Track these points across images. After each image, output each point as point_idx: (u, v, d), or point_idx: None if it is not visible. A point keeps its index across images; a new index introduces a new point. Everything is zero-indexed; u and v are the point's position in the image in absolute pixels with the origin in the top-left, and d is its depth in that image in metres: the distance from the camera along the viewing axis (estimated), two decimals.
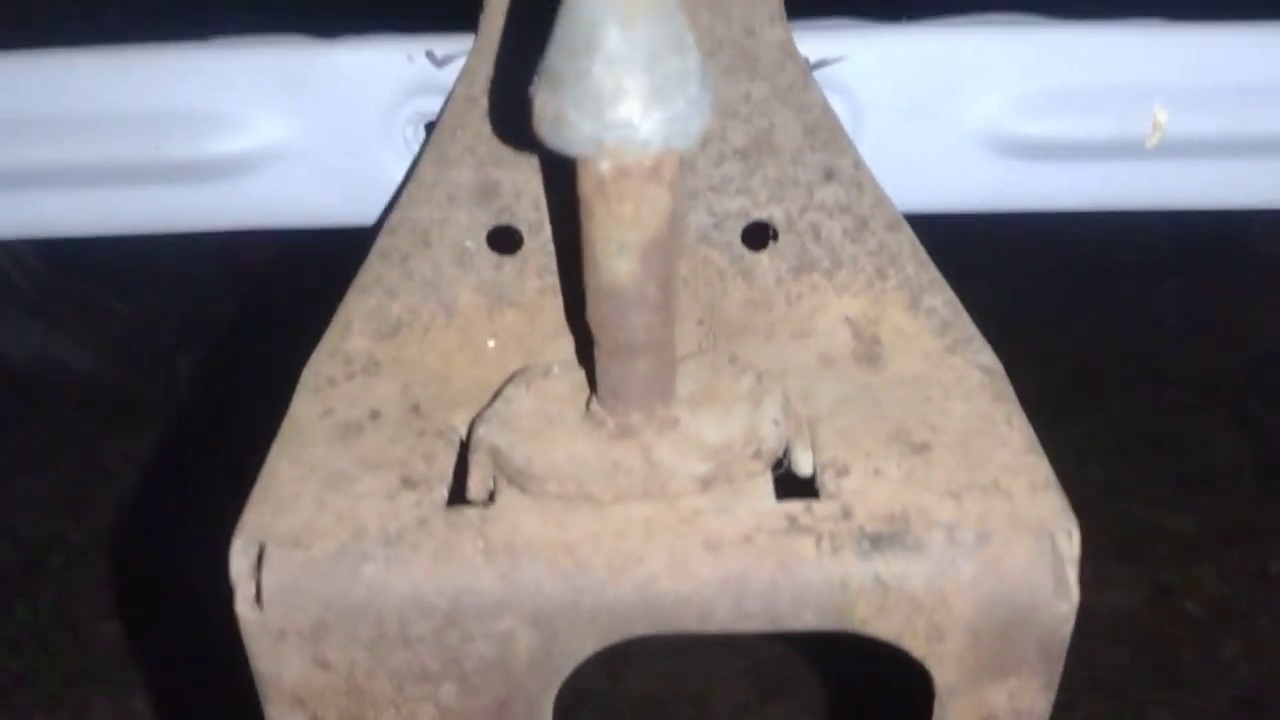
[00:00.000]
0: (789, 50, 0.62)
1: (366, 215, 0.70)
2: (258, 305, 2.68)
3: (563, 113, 0.41)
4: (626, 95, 0.39)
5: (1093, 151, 0.69)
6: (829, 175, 0.61)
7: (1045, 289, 3.20)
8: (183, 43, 0.68)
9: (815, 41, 0.67)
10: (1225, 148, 0.69)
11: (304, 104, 0.68)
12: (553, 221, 0.61)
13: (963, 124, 0.69)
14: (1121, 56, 0.67)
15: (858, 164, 0.61)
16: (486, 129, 0.61)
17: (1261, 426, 2.81)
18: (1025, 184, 0.71)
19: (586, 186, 0.45)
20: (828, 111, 0.62)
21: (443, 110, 0.63)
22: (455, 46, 0.67)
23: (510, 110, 0.61)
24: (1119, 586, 2.35)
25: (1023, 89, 0.68)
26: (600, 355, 0.52)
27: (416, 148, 0.69)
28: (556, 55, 0.40)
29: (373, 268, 0.61)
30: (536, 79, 0.42)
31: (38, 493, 2.55)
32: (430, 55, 0.66)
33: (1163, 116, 0.67)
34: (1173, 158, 0.69)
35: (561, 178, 0.53)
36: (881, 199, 0.62)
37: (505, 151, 0.61)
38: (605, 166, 0.43)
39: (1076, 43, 0.67)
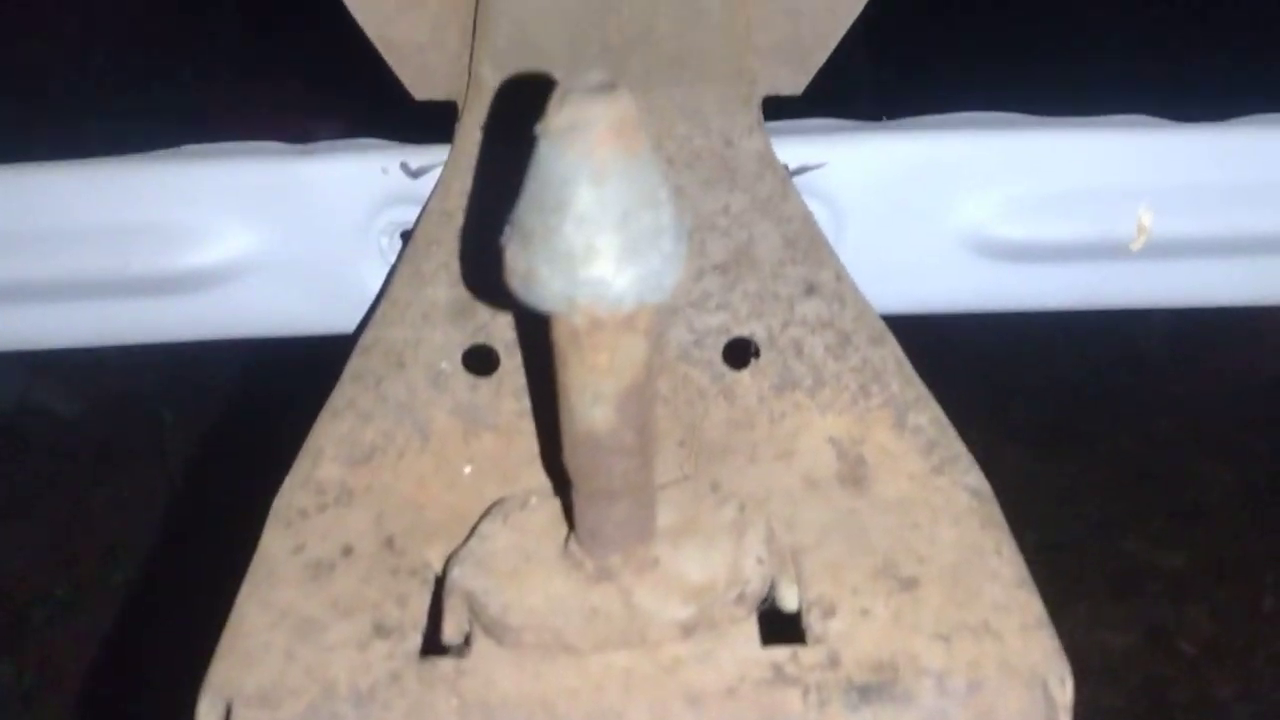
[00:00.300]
0: (768, 160, 0.62)
1: (344, 324, 0.69)
2: (243, 353, 2.66)
3: (534, 269, 0.40)
4: (598, 254, 0.38)
5: (1078, 253, 0.68)
6: (810, 289, 0.60)
7: (1034, 323, 3.21)
8: (151, 155, 0.67)
9: (795, 148, 0.66)
10: (1211, 247, 0.69)
11: (277, 216, 0.67)
12: (526, 345, 0.60)
13: (945, 228, 0.68)
14: (1105, 158, 0.67)
15: (839, 276, 0.61)
16: (461, 243, 0.61)
17: (1250, 458, 2.81)
18: (1010, 286, 0.70)
19: (560, 336, 0.44)
20: (808, 222, 0.61)
21: (416, 225, 0.62)
22: (430, 158, 0.66)
23: (485, 228, 0.60)
24: (1113, 627, 2.34)
25: (1006, 192, 0.67)
26: (577, 498, 0.51)
27: (393, 257, 0.68)
28: (527, 210, 0.40)
29: (345, 390, 0.60)
30: (507, 230, 0.41)
31: (22, 543, 2.52)
32: (405, 167, 0.66)
33: (1148, 219, 0.66)
34: (1158, 258, 0.68)
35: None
36: (864, 312, 0.61)
37: (480, 269, 0.60)
38: (579, 320, 0.42)
39: (1059, 145, 0.67)
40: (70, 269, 0.66)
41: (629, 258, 0.39)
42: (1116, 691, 2.25)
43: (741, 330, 0.60)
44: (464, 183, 0.61)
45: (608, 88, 0.37)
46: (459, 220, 0.61)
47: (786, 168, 0.66)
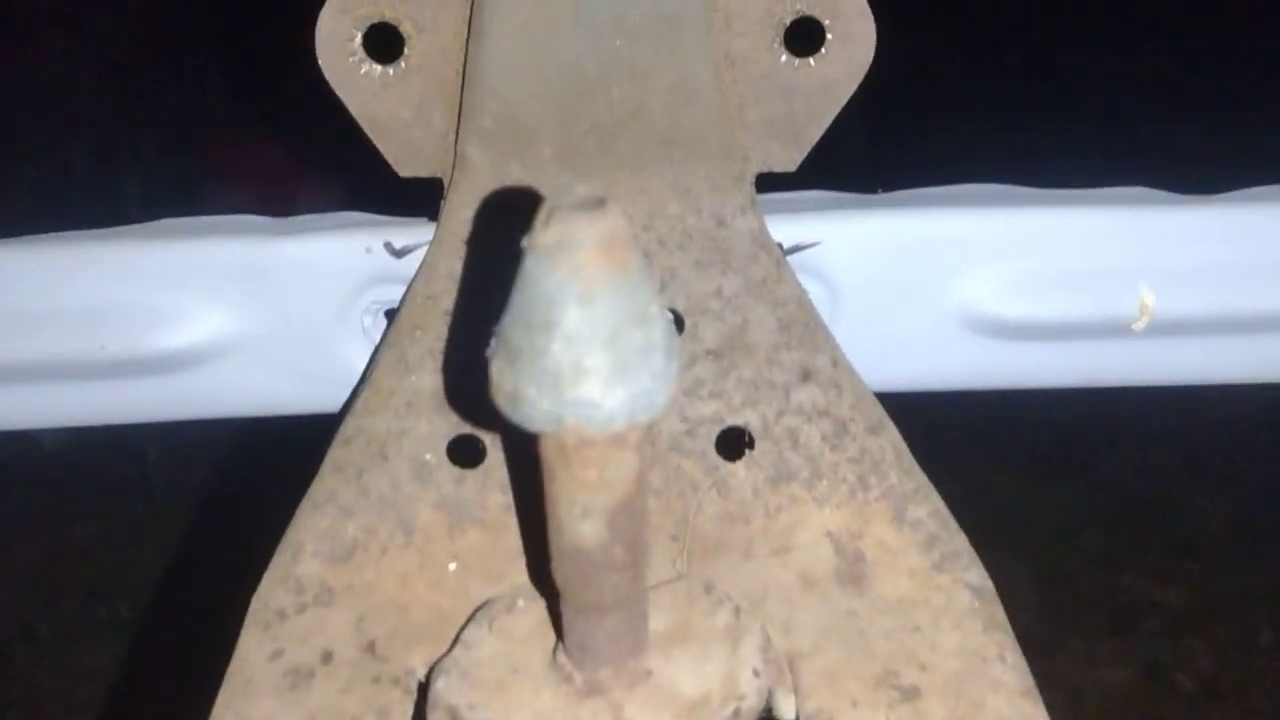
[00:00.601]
0: (761, 241, 0.60)
1: (327, 404, 0.67)
2: None
3: (520, 389, 0.38)
4: (587, 374, 0.36)
5: (1078, 332, 0.67)
6: (806, 375, 0.58)
7: None
8: (127, 231, 0.65)
9: (789, 224, 0.65)
10: (1214, 326, 0.67)
11: (257, 295, 0.65)
12: (512, 438, 0.58)
13: (943, 305, 0.67)
14: (1105, 236, 0.65)
15: (836, 361, 0.59)
16: (447, 329, 0.59)
17: (1245, 489, 2.80)
18: (1009, 364, 0.69)
19: (547, 451, 0.42)
20: (803, 305, 0.59)
21: (400, 308, 0.60)
22: (415, 236, 0.64)
23: (473, 315, 0.58)
24: (1110, 664, 2.32)
25: (1004, 270, 0.66)
26: (566, 610, 0.49)
27: (377, 336, 0.66)
28: (513, 327, 0.38)
29: (326, 482, 0.58)
30: (493, 343, 0.39)
31: (4, 578, 2.48)
32: (389, 246, 0.64)
33: (1150, 299, 0.65)
34: (1160, 336, 0.67)
35: None
36: (862, 398, 0.59)
37: (468, 351, 0.58)
38: (567, 438, 0.40)
39: (1059, 222, 0.65)
40: (43, 351, 0.64)
41: (619, 378, 0.37)
42: None
43: (735, 419, 0.58)
44: (450, 265, 0.59)
45: (596, 203, 0.36)
46: (445, 304, 0.59)
47: (780, 246, 0.64)
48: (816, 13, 0.61)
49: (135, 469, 2.68)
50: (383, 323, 0.66)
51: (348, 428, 0.58)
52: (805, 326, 0.59)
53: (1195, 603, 2.48)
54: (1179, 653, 2.36)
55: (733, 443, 0.59)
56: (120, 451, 2.67)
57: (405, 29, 0.61)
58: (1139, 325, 0.65)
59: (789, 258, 0.65)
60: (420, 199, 0.66)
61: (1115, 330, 0.66)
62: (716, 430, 0.59)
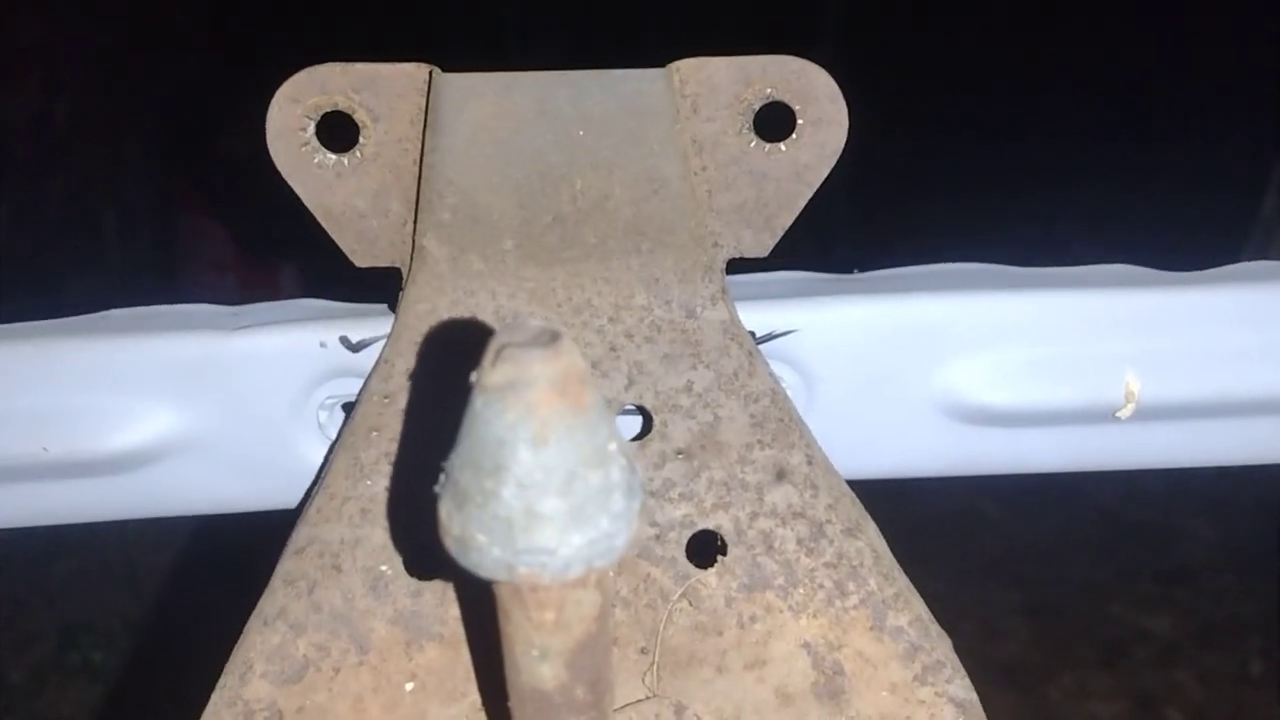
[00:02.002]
0: (733, 331, 0.58)
1: (282, 501, 0.64)
2: None
3: (469, 535, 0.35)
4: (541, 521, 0.34)
5: (1062, 419, 0.64)
6: (780, 475, 0.56)
7: None
8: (70, 324, 0.62)
9: (763, 312, 0.62)
10: (1201, 410, 0.65)
11: (208, 393, 0.62)
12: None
13: (923, 393, 0.64)
14: (1089, 321, 0.63)
15: (811, 459, 0.56)
16: (405, 430, 0.56)
17: (1234, 514, 2.79)
18: (991, 451, 0.66)
19: (502, 593, 0.39)
20: (777, 399, 0.57)
21: (355, 408, 0.57)
22: (372, 329, 0.61)
23: (430, 417, 0.55)
24: (1101, 696, 2.30)
25: (986, 357, 0.63)
26: None
27: (333, 432, 0.63)
28: (461, 469, 0.35)
29: (276, 597, 0.55)
30: (442, 481, 0.36)
31: None
32: (345, 340, 0.61)
33: (1135, 385, 0.62)
34: (1146, 421, 0.65)
35: None
36: (839, 498, 0.56)
37: (426, 458, 0.55)
38: (521, 584, 0.37)
39: (1042, 307, 0.63)
40: None
41: (575, 523, 0.34)
42: None
43: (706, 523, 0.55)
44: (407, 362, 0.56)
45: (549, 338, 0.33)
46: (401, 404, 0.56)
47: (754, 335, 0.62)
48: (787, 98, 0.58)
49: None
50: (339, 417, 0.63)
51: (299, 537, 0.55)
52: (779, 422, 0.57)
53: (1185, 631, 2.47)
54: (1170, 684, 2.35)
55: (704, 548, 0.56)
56: None
57: (359, 117, 0.58)
58: (1124, 413, 0.63)
59: (762, 346, 0.62)
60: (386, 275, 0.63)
61: (1100, 416, 0.64)
62: (687, 535, 0.56)
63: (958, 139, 3.75)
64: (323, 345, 0.60)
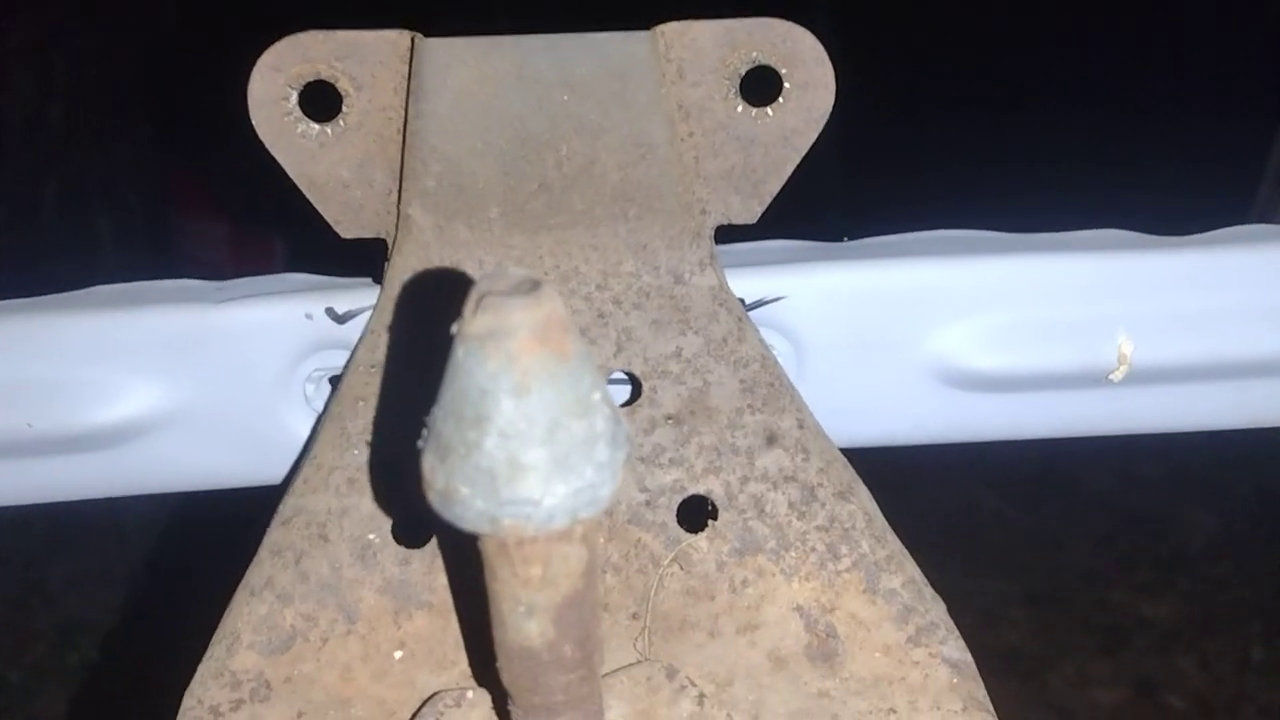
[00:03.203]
0: (722, 298, 0.57)
1: (270, 476, 0.64)
2: None
3: (453, 487, 0.35)
4: (524, 471, 0.34)
5: (1053, 383, 0.64)
6: (771, 439, 0.56)
7: None
8: (55, 300, 0.62)
9: (753, 279, 0.62)
10: (1194, 373, 0.65)
11: (193, 367, 0.61)
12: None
13: (913, 359, 0.64)
14: (1079, 284, 0.63)
15: (802, 423, 0.56)
16: (392, 402, 0.55)
17: (1233, 501, 2.79)
18: (982, 417, 0.66)
19: (487, 548, 0.39)
20: (767, 364, 0.56)
21: (342, 379, 0.57)
22: (359, 300, 0.61)
23: (416, 386, 0.54)
24: (1102, 683, 2.29)
25: (977, 321, 0.63)
26: (516, 713, 0.45)
27: (320, 405, 0.63)
28: (444, 420, 0.35)
29: (263, 567, 0.54)
30: (424, 435, 0.36)
31: None
32: (330, 312, 0.61)
33: (1128, 348, 0.62)
34: (1139, 385, 0.64)
35: None
36: (830, 462, 0.56)
37: (413, 426, 0.55)
38: (506, 537, 0.37)
39: (1031, 270, 0.63)
40: None
41: (559, 473, 0.34)
42: None
43: (697, 488, 0.55)
44: (394, 333, 0.56)
45: (529, 286, 0.33)
46: (389, 373, 0.56)
47: (743, 302, 0.62)
48: (773, 61, 0.58)
49: (106, 511, 2.63)
50: (326, 390, 0.63)
51: (286, 507, 0.55)
52: (769, 387, 0.56)
53: (1186, 618, 2.46)
54: (1170, 670, 2.34)
55: (695, 513, 0.56)
56: None
57: (342, 86, 0.58)
58: (1117, 375, 0.62)
59: (752, 313, 0.62)
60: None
61: (1093, 380, 0.63)
62: (678, 500, 0.56)
63: (952, 109, 3.73)
64: (308, 317, 0.60)
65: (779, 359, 0.63)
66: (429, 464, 0.35)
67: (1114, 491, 2.86)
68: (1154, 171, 3.11)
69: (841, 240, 0.67)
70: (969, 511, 2.81)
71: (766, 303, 0.62)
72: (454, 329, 0.33)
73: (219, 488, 0.65)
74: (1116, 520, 2.79)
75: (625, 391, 0.59)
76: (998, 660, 2.33)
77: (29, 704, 2.26)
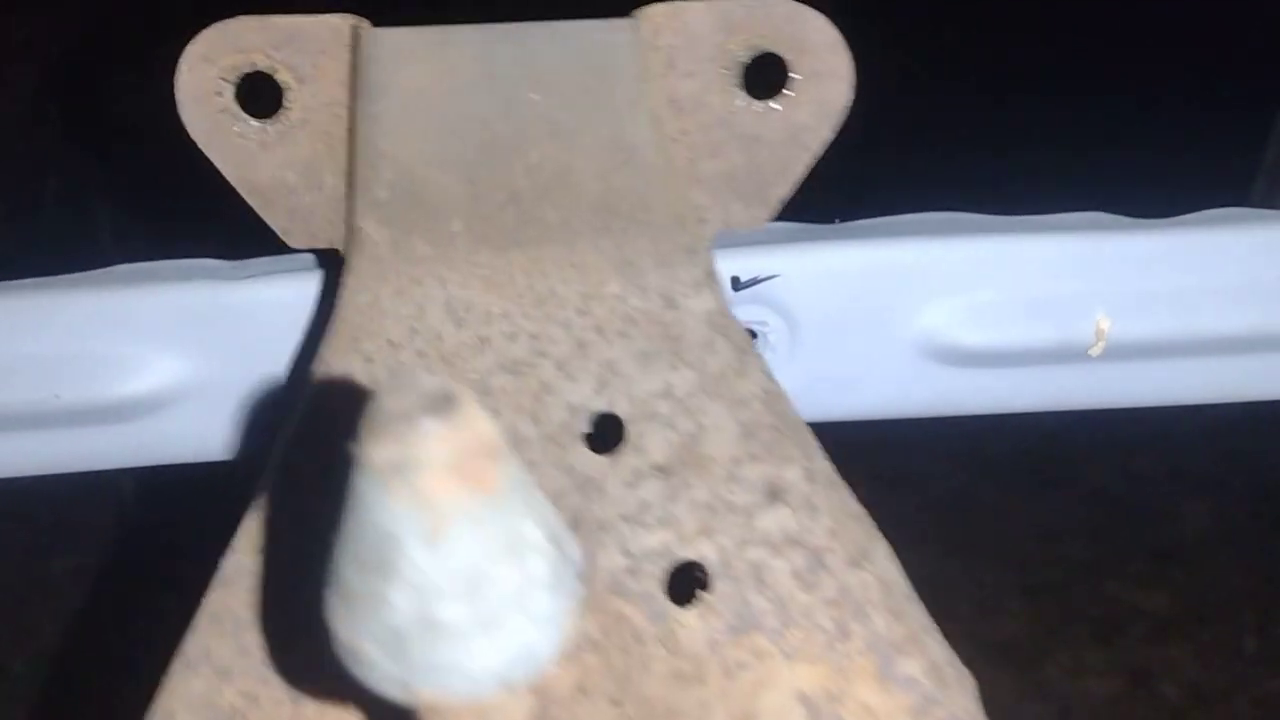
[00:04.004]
0: (720, 324, 0.50)
1: None
2: None
3: (358, 646, 0.29)
4: (440, 632, 0.27)
5: (1037, 358, 0.67)
6: (774, 494, 0.48)
7: None
8: (80, 279, 0.64)
9: (747, 258, 0.64)
10: (1171, 349, 0.67)
11: (211, 340, 0.63)
12: None
13: (902, 335, 0.66)
14: (1062, 263, 0.65)
15: (811, 474, 0.49)
16: (343, 447, 0.50)
17: (1228, 493, 2.81)
18: (968, 391, 0.68)
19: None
20: (771, 403, 0.49)
21: (291, 415, 0.51)
22: None
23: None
24: (1096, 673, 2.31)
25: (963, 300, 0.65)
26: None
27: None
28: (346, 562, 0.28)
29: (201, 636, 0.48)
30: (328, 574, 0.30)
31: None
32: None
33: (1106, 324, 0.64)
34: (1118, 360, 0.67)
35: None
36: (843, 521, 0.48)
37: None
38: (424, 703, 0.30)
39: (1016, 251, 0.65)
40: None
41: (484, 633, 0.28)
42: None
43: (688, 552, 0.48)
44: (346, 365, 0.49)
45: (444, 402, 0.26)
46: (339, 414, 0.50)
47: (738, 280, 0.61)
48: (779, 48, 0.53)
49: (110, 503, 2.65)
50: None
51: (227, 566, 0.49)
52: (773, 431, 0.49)
53: (1180, 609, 2.48)
54: (1165, 660, 2.36)
55: (685, 582, 0.49)
56: (94, 486, 2.64)
57: (282, 78, 0.53)
58: (1095, 350, 0.65)
59: (746, 290, 0.64)
60: None
61: (1072, 355, 0.66)
62: (665, 567, 0.48)
63: (945, 94, 3.74)
64: None
65: (772, 336, 0.63)
66: (332, 609, 0.29)
67: (1111, 484, 2.88)
68: (1151, 160, 3.12)
69: (833, 222, 0.69)
70: (966, 503, 2.82)
71: (760, 281, 0.64)
72: (350, 449, 0.27)
73: (240, 458, 0.67)
74: (1113, 512, 2.81)
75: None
76: (994, 650, 2.36)
77: (31, 693, 2.28)
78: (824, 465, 0.49)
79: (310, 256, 0.67)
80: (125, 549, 2.56)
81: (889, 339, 0.65)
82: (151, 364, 0.63)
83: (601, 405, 0.50)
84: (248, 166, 0.53)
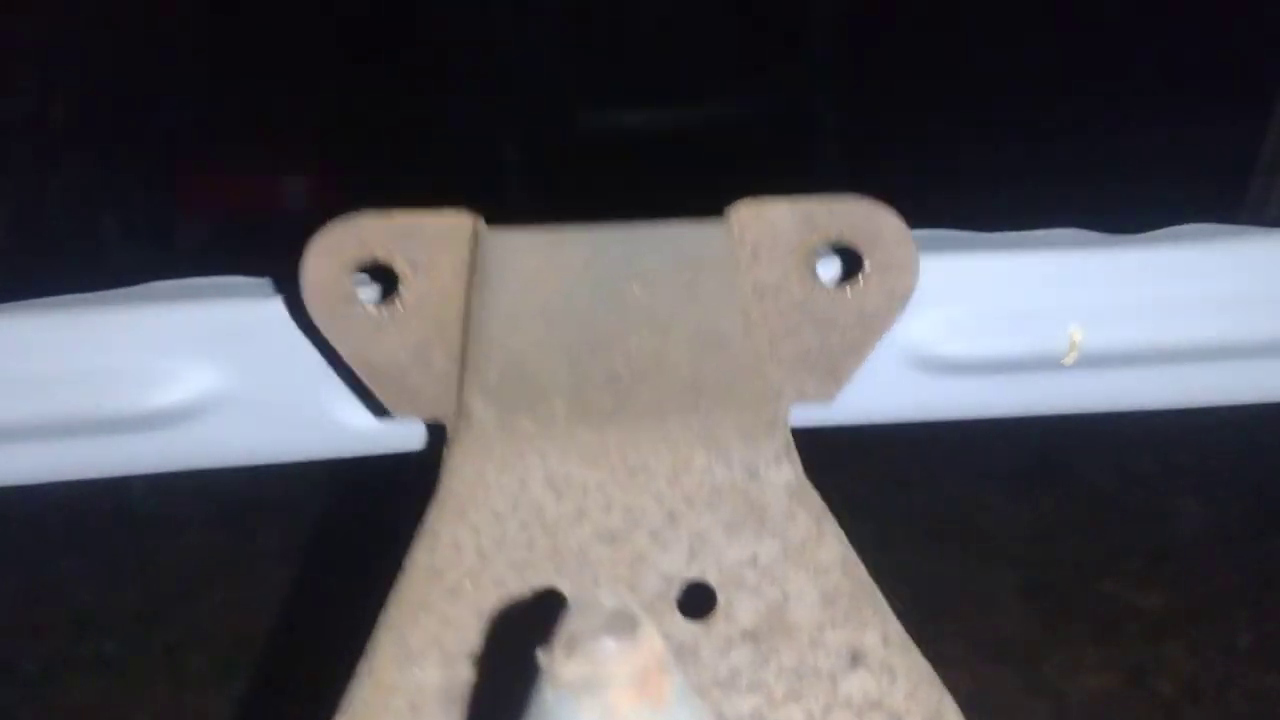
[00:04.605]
0: (800, 495, 0.53)
1: (319, 450, 0.69)
2: None
3: None
4: None
5: (1014, 367, 0.70)
6: (855, 659, 0.52)
7: None
8: (119, 295, 0.67)
9: None
10: (1140, 358, 0.70)
11: (244, 353, 0.66)
12: None
13: (891, 346, 0.69)
14: (1038, 279, 0.68)
15: (887, 639, 0.52)
16: (454, 611, 0.51)
17: (1223, 492, 2.85)
18: (951, 398, 0.71)
19: None
20: (849, 570, 0.53)
21: (398, 582, 0.53)
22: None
23: (483, 601, 0.50)
24: (1093, 669, 2.35)
25: (946, 313, 0.68)
26: None
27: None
28: None
29: None
30: None
31: None
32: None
33: (1078, 335, 0.68)
34: (1091, 369, 0.70)
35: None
36: (919, 683, 0.52)
37: (478, 641, 0.51)
38: None
39: (996, 267, 0.68)
40: (37, 411, 0.65)
41: None
42: None
43: (777, 717, 0.51)
44: (454, 532, 0.52)
45: (627, 624, 0.31)
46: (450, 580, 0.52)
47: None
48: (854, 242, 0.55)
49: (119, 503, 2.68)
50: None
51: None
52: (852, 598, 0.52)
53: (1175, 607, 2.52)
54: (1159, 657, 2.40)
55: None
56: (104, 486, 2.66)
57: (399, 267, 0.55)
58: (1068, 360, 0.68)
59: None
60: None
61: (1047, 364, 0.69)
62: None
63: (937, 102, 3.77)
64: None
65: None
66: None
67: (1107, 484, 2.92)
68: (1143, 167, 3.16)
69: None
70: (966, 504, 2.86)
71: None
72: (540, 659, 0.32)
73: (272, 462, 0.70)
74: (1109, 512, 2.85)
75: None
76: (992, 648, 2.39)
77: (43, 693, 2.31)
78: (897, 628, 0.53)
79: None
80: (133, 550, 2.59)
81: (879, 351, 0.68)
82: (186, 376, 0.66)
83: (694, 573, 0.53)
84: (364, 347, 0.56)
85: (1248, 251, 0.69)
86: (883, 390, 0.70)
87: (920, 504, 2.77)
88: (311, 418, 0.68)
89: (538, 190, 3.58)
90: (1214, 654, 2.39)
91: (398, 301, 0.56)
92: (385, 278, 0.56)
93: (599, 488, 0.52)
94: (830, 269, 0.58)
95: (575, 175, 3.67)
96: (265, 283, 0.67)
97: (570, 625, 0.31)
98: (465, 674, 0.51)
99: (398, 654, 0.51)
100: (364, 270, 0.55)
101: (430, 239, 0.55)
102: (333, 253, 0.55)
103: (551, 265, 0.55)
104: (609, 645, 0.31)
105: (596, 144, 3.87)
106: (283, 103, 3.58)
